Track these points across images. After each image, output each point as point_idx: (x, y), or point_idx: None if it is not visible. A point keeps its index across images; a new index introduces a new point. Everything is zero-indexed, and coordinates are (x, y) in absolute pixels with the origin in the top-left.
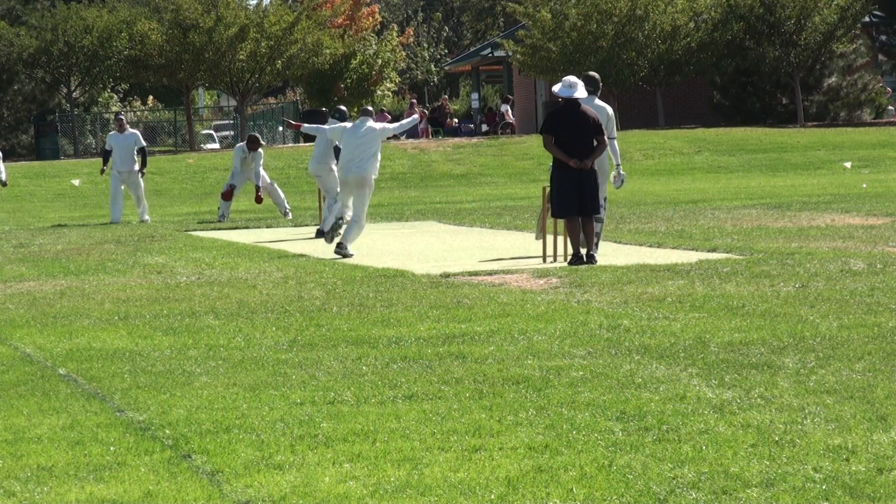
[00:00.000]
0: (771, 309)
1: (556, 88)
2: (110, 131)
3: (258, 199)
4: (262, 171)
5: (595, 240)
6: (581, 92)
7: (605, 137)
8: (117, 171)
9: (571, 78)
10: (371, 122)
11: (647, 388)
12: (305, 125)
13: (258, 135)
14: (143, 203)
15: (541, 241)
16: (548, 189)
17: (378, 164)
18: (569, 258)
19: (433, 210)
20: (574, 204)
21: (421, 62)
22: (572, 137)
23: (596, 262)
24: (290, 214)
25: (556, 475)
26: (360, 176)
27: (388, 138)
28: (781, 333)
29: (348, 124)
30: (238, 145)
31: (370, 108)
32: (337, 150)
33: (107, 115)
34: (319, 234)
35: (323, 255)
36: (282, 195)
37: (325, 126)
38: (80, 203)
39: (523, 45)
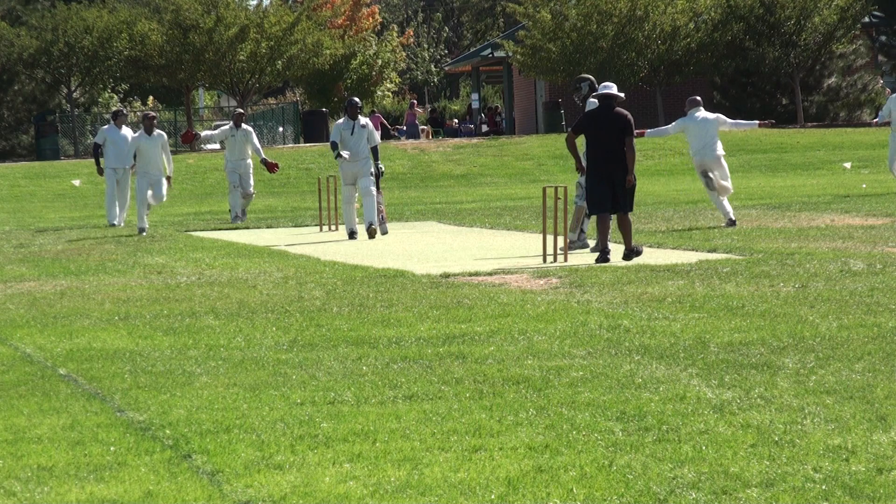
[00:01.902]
0: (771, 309)
1: (591, 98)
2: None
3: (273, 169)
4: (259, 146)
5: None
6: (615, 89)
7: (632, 139)
8: (120, 171)
9: (606, 83)
10: (703, 112)
11: (647, 388)
12: (649, 131)
13: (242, 111)
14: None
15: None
16: (547, 189)
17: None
18: (596, 255)
19: (433, 210)
20: (607, 201)
21: (421, 63)
22: (602, 138)
23: (640, 253)
24: (242, 220)
25: (556, 475)
26: (715, 156)
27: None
28: (781, 333)
29: (695, 115)
30: (222, 127)
31: (698, 98)
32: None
33: (107, 116)
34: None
35: (323, 256)
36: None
37: (670, 126)
38: (80, 203)
39: (523, 46)
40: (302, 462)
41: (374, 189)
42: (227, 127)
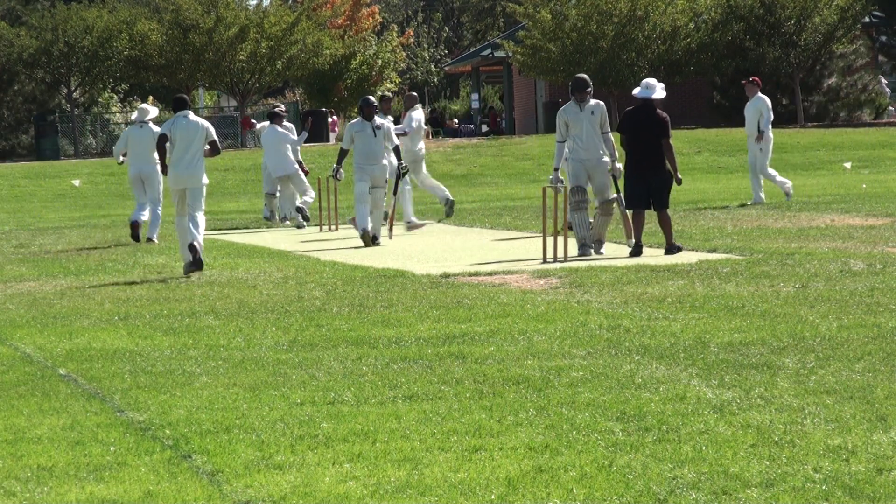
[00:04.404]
0: (771, 309)
1: (635, 91)
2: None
3: (303, 171)
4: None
5: (603, 232)
6: (659, 93)
7: (668, 140)
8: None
9: (650, 80)
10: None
11: (647, 388)
12: None
13: (280, 108)
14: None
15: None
16: (548, 189)
17: None
18: (630, 249)
19: (433, 210)
20: (643, 198)
21: (421, 63)
22: (640, 138)
23: (679, 250)
24: (289, 220)
25: (556, 475)
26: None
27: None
28: (781, 334)
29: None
30: (262, 126)
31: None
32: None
33: (107, 116)
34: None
35: (323, 256)
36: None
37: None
38: (80, 203)
39: (523, 46)
40: (302, 462)
41: (383, 201)
42: (268, 123)
